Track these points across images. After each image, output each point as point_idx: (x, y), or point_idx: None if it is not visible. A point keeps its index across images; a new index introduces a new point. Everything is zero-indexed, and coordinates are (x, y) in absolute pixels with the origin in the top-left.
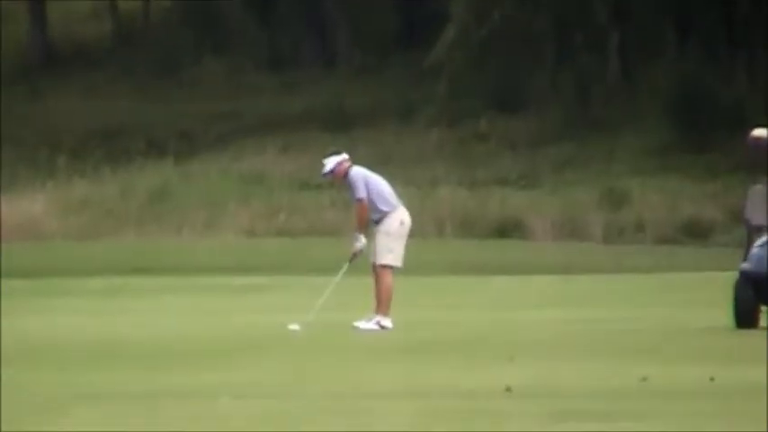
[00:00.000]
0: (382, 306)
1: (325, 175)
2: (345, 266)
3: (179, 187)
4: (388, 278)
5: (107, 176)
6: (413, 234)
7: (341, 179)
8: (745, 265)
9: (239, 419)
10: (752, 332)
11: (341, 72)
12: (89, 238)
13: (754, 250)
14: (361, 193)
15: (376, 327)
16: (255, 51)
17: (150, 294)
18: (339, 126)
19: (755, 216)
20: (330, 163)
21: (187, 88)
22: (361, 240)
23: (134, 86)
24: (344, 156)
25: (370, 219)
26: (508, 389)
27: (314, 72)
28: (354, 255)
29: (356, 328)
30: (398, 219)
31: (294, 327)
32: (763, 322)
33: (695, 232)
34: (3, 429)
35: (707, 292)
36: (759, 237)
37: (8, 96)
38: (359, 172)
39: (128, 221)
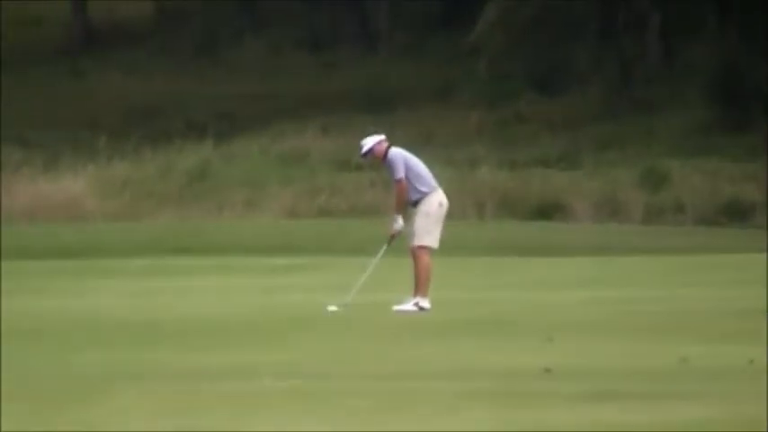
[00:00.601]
0: (421, 287)
1: (363, 155)
2: (384, 248)
3: (219, 167)
4: (426, 259)
5: (147, 157)
6: (452, 215)
7: (380, 160)
8: None
9: (280, 399)
10: None
11: (381, 52)
12: (129, 218)
13: None
14: (400, 174)
15: (414, 308)
16: (295, 31)
17: (191, 274)
18: (379, 106)
19: None
20: (367, 143)
21: (227, 68)
22: (399, 222)
23: (174, 66)
24: (382, 137)
25: (408, 200)
26: (547, 369)
27: (354, 52)
28: (393, 236)
29: (396, 311)
30: (437, 200)
31: (333, 308)
32: None
33: (735, 213)
34: (46, 410)
35: (746, 272)
36: None
37: (49, 76)
38: (398, 153)
39: (168, 202)
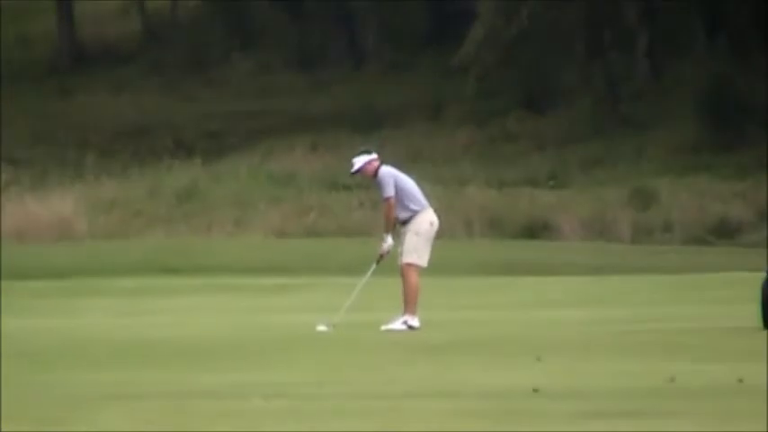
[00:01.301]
0: (409, 305)
1: (354, 173)
2: (373, 267)
3: (208, 187)
4: (413, 277)
5: (135, 176)
6: (441, 234)
7: (371, 178)
8: None
9: (269, 419)
10: None
11: (370, 71)
12: (118, 237)
13: None
14: (389, 192)
15: (403, 326)
16: (284, 50)
17: (179, 294)
18: (368, 125)
19: None
20: (359, 162)
21: (216, 87)
22: (388, 241)
23: (162, 85)
24: (374, 155)
25: (398, 218)
26: (536, 389)
27: (343, 71)
28: (381, 256)
29: (384, 330)
30: (428, 219)
31: (322, 328)
32: None
33: (724, 232)
34: (31, 429)
35: (735, 291)
36: None
37: (37, 95)
38: (388, 171)
39: (156, 221)
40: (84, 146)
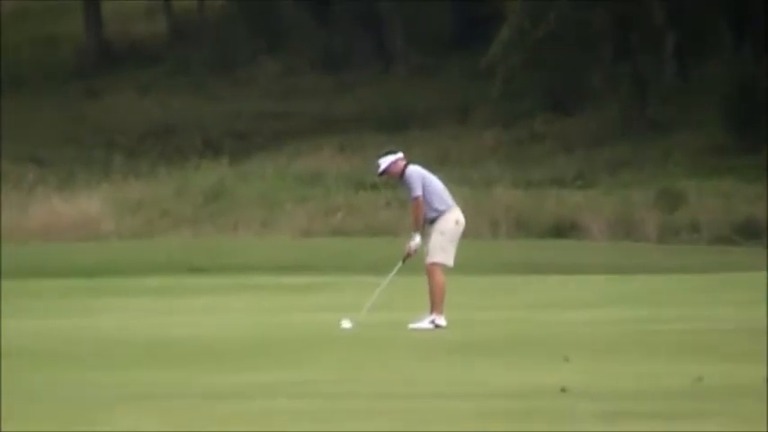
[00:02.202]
0: (436, 305)
1: (380, 174)
2: (399, 265)
3: (235, 187)
4: (439, 276)
5: (162, 176)
6: (467, 234)
7: (397, 178)
8: None
9: (295, 419)
10: None
11: (396, 73)
12: (145, 237)
13: None
14: (418, 192)
15: (430, 326)
16: (311, 51)
17: (206, 294)
18: (395, 127)
19: None
20: (384, 162)
21: (242, 87)
22: (416, 240)
23: (189, 85)
24: (399, 155)
25: (425, 218)
26: (563, 389)
27: (369, 73)
28: (408, 254)
29: (411, 329)
30: (454, 218)
31: (346, 324)
32: None
33: (750, 232)
34: (60, 429)
35: (762, 292)
36: None
37: (64, 95)
38: (415, 170)
39: (183, 221)
40: (111, 146)
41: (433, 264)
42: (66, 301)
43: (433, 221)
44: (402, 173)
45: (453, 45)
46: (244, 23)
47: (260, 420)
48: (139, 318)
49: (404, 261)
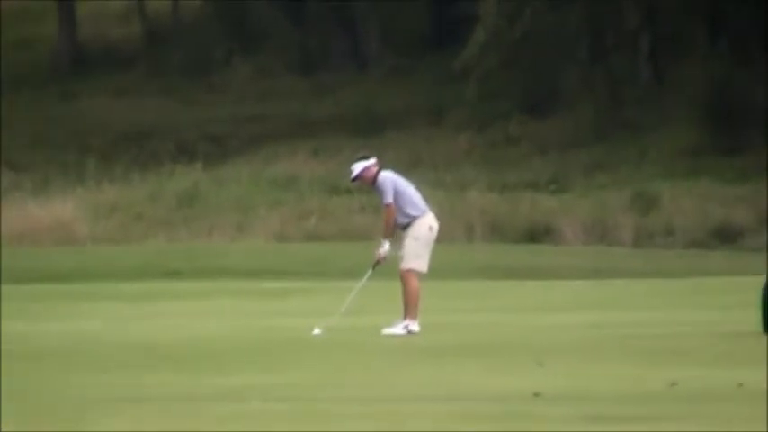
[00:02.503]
0: (410, 310)
1: (353, 180)
2: (369, 272)
3: (209, 191)
4: (414, 282)
5: (137, 180)
6: (442, 238)
7: (370, 184)
8: None
9: (269, 422)
10: None
11: (371, 75)
12: (119, 242)
13: None
14: (389, 198)
15: (404, 331)
16: (285, 54)
17: (181, 298)
18: (369, 129)
19: None
20: (357, 168)
21: (217, 91)
22: (386, 247)
23: (163, 88)
24: (373, 161)
25: (398, 223)
26: (537, 393)
27: (344, 75)
28: (378, 261)
29: (385, 334)
30: (427, 224)
31: (317, 331)
32: None
33: (725, 236)
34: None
35: (736, 296)
36: None
37: (38, 98)
38: (388, 177)
39: (158, 225)
40: (86, 150)
41: (408, 270)
42: (42, 305)
43: (406, 227)
44: (374, 179)
45: (428, 47)
46: (218, 25)
47: (235, 423)
48: (115, 322)
49: (374, 268)
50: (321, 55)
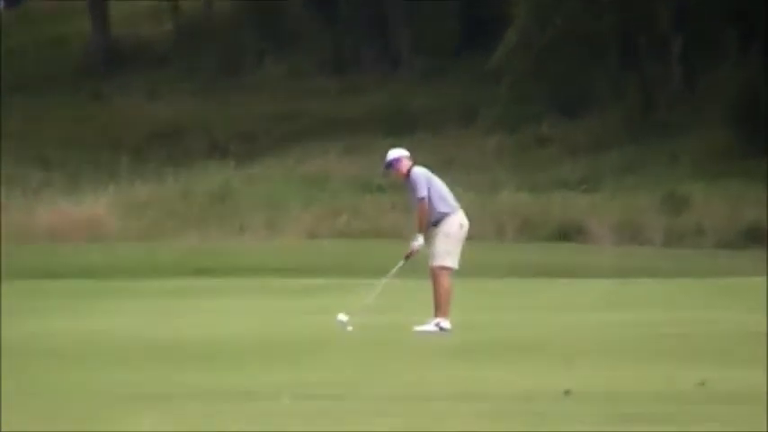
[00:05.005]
0: (442, 308)
1: (386, 167)
2: (401, 263)
3: (241, 189)
4: (446, 280)
5: (169, 178)
6: (472, 237)
7: (403, 177)
8: None
9: (298, 420)
10: None
11: (403, 75)
12: (151, 239)
13: None
14: (423, 192)
15: (435, 328)
16: (317, 53)
17: (211, 296)
18: (400, 129)
19: None
20: (392, 154)
21: (249, 90)
22: (420, 240)
23: (195, 87)
24: (407, 153)
25: (429, 220)
26: (567, 392)
27: (376, 75)
28: (411, 254)
29: (416, 332)
30: (458, 221)
31: (342, 317)
32: None
33: (756, 237)
34: (64, 428)
35: (766, 296)
36: None
37: (71, 97)
38: (421, 172)
39: (189, 223)
40: (118, 148)
41: (440, 267)
42: (73, 302)
43: (436, 224)
44: (408, 173)
45: (459, 48)
46: (250, 25)
47: (266, 420)
48: (146, 319)
49: (406, 259)
50: (353, 55)
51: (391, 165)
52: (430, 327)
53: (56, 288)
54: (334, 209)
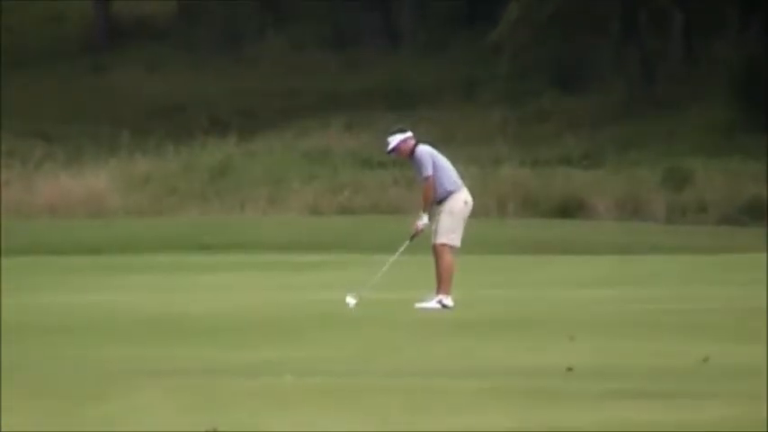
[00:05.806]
0: (444, 285)
1: (389, 152)
2: (406, 243)
3: (242, 164)
4: (448, 257)
5: (169, 153)
6: (474, 213)
7: (406, 157)
8: None
9: (301, 396)
10: None
11: (404, 50)
12: (151, 214)
13: None
14: (429, 171)
15: (437, 305)
16: (318, 28)
17: (213, 271)
18: (401, 104)
19: None
20: (394, 140)
21: (250, 65)
22: (424, 219)
23: (196, 62)
24: (409, 134)
25: (434, 197)
26: (569, 368)
27: (377, 50)
28: (416, 232)
29: (417, 309)
30: (463, 198)
31: (350, 299)
32: None
33: (757, 212)
34: (67, 405)
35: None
36: None
37: (72, 72)
38: (425, 150)
39: (190, 198)
40: (118, 123)
41: (442, 244)
42: (74, 277)
43: (441, 201)
44: (412, 152)
45: (460, 23)
46: (250, 0)
47: (267, 397)
48: (147, 294)
49: (411, 239)
50: (353, 30)
51: (394, 150)
52: (432, 303)
53: (56, 263)
54: (336, 184)
